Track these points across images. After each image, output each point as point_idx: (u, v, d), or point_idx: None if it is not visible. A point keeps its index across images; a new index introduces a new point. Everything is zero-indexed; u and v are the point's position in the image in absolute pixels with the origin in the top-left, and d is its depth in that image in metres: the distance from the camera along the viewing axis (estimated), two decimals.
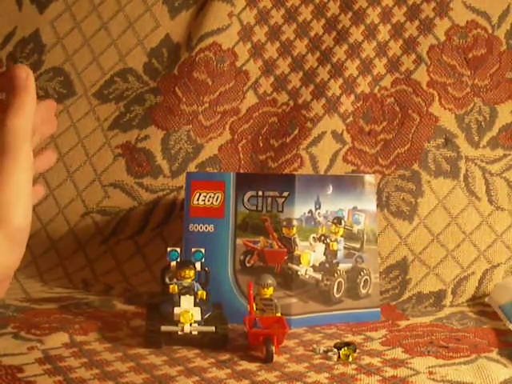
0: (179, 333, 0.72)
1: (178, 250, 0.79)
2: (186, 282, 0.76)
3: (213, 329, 0.73)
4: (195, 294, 0.75)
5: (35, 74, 1.11)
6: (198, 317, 0.73)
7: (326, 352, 0.72)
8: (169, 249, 0.79)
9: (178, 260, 0.78)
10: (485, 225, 0.98)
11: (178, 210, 1.01)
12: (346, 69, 1.05)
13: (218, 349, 0.73)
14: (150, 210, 1.01)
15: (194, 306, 0.74)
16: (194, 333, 0.73)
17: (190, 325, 0.73)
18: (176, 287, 0.75)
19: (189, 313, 0.73)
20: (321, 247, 0.85)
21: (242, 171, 1.03)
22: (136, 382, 0.64)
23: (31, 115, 0.57)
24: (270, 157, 1.03)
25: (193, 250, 0.79)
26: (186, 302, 0.74)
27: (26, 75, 0.56)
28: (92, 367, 0.67)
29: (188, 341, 0.74)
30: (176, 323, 0.73)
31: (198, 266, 0.78)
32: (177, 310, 0.73)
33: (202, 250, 0.79)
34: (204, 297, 0.75)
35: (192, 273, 0.76)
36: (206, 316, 0.75)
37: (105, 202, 1.03)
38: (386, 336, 0.79)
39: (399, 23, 1.07)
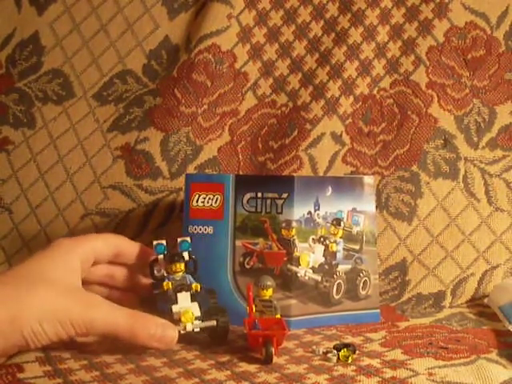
0: (181, 332, 0.72)
1: (164, 242, 0.78)
2: (178, 276, 0.76)
3: (214, 323, 0.73)
4: (190, 289, 0.75)
5: (34, 76, 1.11)
6: (197, 313, 0.74)
7: (325, 353, 0.72)
8: (154, 242, 0.78)
9: (166, 253, 0.78)
10: (484, 226, 0.98)
11: (177, 211, 1.01)
12: (345, 70, 1.05)
13: (219, 340, 0.73)
14: (150, 212, 1.01)
15: (192, 301, 0.74)
16: (196, 330, 0.73)
17: (192, 323, 0.73)
18: (170, 284, 0.75)
19: (189, 312, 0.73)
20: (320, 248, 0.85)
21: (241, 172, 1.03)
22: None
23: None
24: (269, 158, 1.03)
25: (179, 240, 0.78)
26: (184, 299, 0.74)
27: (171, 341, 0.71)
28: (92, 369, 0.67)
29: (189, 338, 0.74)
30: (175, 322, 0.73)
31: (185, 255, 0.78)
32: (175, 309, 0.73)
33: (188, 239, 0.78)
34: (198, 289, 0.75)
35: (182, 265, 0.76)
36: (205, 309, 0.75)
37: (104, 204, 1.03)
38: (386, 337, 0.79)
39: (398, 24, 1.07)
